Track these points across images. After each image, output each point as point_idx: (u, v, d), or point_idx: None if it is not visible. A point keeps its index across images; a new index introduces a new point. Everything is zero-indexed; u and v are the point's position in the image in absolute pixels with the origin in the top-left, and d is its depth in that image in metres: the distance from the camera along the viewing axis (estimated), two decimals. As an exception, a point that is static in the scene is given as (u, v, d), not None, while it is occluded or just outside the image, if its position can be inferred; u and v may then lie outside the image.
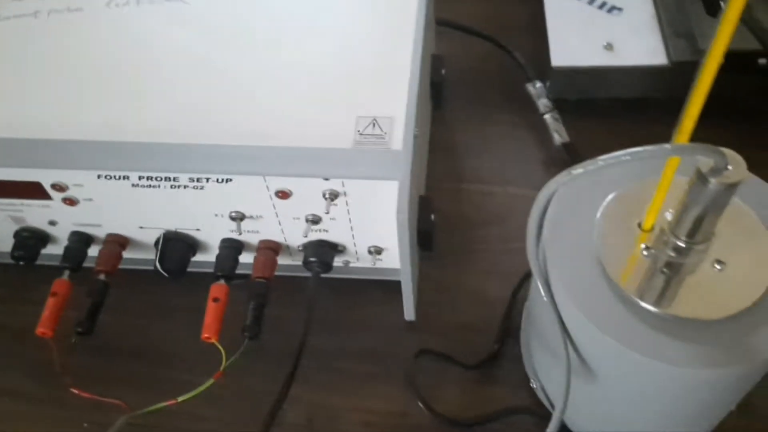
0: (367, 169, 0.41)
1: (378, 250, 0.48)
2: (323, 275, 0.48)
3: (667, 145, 0.30)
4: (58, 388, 0.46)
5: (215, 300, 0.46)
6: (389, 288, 0.49)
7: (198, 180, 0.43)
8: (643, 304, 0.34)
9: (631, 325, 0.34)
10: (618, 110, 0.57)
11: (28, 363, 0.49)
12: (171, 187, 0.44)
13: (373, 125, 0.43)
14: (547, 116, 0.56)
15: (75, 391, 0.45)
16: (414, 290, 0.49)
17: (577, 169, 0.32)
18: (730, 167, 0.30)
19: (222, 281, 0.47)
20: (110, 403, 0.44)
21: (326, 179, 0.42)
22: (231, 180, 0.43)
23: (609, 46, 0.54)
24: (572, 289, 0.35)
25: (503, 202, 0.55)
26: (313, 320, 0.45)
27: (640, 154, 0.31)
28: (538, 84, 0.57)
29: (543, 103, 0.56)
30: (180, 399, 0.44)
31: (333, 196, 0.43)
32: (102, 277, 0.47)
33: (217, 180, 0.43)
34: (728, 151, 0.31)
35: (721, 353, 0.33)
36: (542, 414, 0.44)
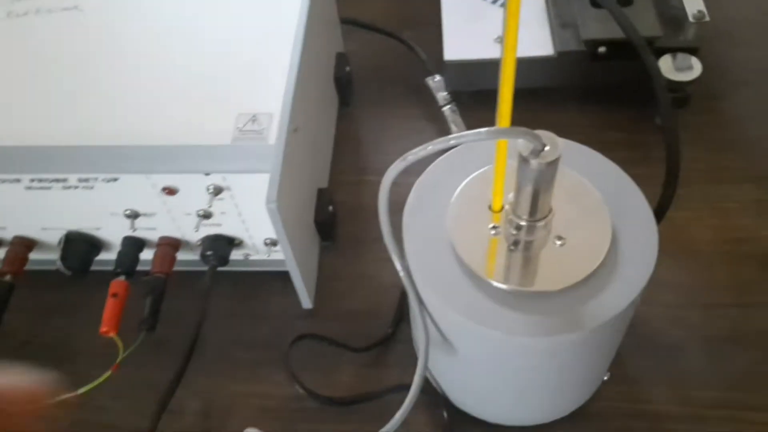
0: (243, 163, 0.43)
1: (273, 242, 0.50)
2: (223, 268, 0.50)
3: (484, 130, 0.32)
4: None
5: (114, 295, 0.47)
6: (289, 279, 0.51)
7: (87, 180, 0.45)
8: (490, 281, 0.36)
9: (478, 301, 0.36)
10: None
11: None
12: (63, 188, 0.46)
13: (253, 121, 0.45)
14: (445, 109, 0.58)
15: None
16: (311, 279, 0.51)
17: (409, 156, 0.34)
18: (547, 147, 0.32)
19: (122, 278, 0.49)
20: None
21: (207, 174, 0.44)
22: (117, 179, 0.45)
23: (500, 39, 0.56)
24: (425, 269, 0.38)
25: (404, 192, 0.57)
26: (208, 311, 0.47)
27: (464, 138, 0.33)
28: (437, 78, 0.59)
29: (442, 96, 0.58)
30: (80, 391, 0.46)
31: (217, 190, 0.45)
32: (8, 278, 0.49)
33: (105, 180, 0.45)
34: (543, 133, 0.33)
35: (557, 322, 0.35)
36: (424, 389, 0.46)
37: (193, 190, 0.45)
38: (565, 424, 0.45)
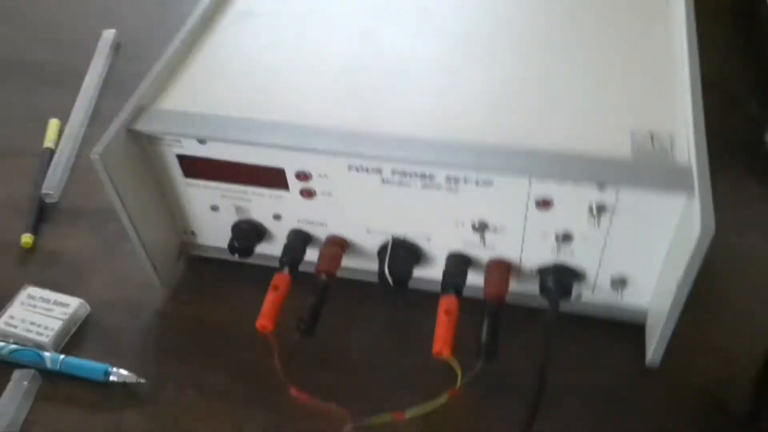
0: (656, 180, 0.38)
1: (623, 282, 0.44)
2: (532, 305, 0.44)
3: None
4: (267, 390, 0.43)
5: (447, 313, 0.42)
6: (616, 329, 0.45)
7: (455, 181, 0.41)
8: None
9: None
10: None
11: (229, 359, 0.46)
12: (423, 186, 0.41)
13: (652, 139, 0.40)
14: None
15: (294, 393, 0.41)
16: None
17: None
18: None
19: (452, 293, 0.43)
20: (332, 410, 0.41)
21: (600, 188, 0.39)
22: (490, 183, 0.40)
23: None
24: None
25: (740, 251, 0.50)
26: (551, 355, 0.41)
27: None
28: (778, 134, 0.53)
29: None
30: (408, 414, 0.40)
31: (598, 210, 0.40)
32: (323, 277, 0.45)
33: (476, 182, 0.40)
34: None
35: None
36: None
37: (572, 205, 0.40)
38: None
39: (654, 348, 0.42)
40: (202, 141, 0.43)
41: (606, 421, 0.42)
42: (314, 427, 0.42)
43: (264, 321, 0.42)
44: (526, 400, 0.39)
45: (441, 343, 0.41)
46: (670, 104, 0.42)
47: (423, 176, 0.41)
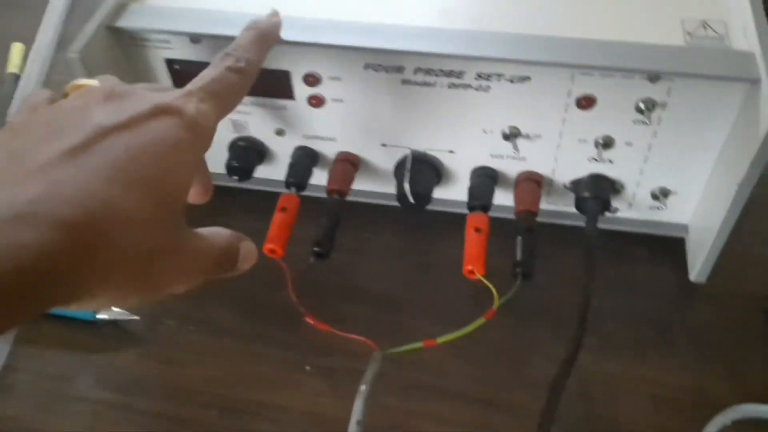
0: (717, 67, 0.34)
1: (665, 193, 0.40)
2: (570, 222, 0.41)
3: None
4: (278, 325, 0.39)
5: (478, 230, 0.38)
6: (655, 244, 0.42)
7: (487, 78, 0.36)
8: None
9: None
10: None
11: (237, 295, 0.41)
12: (449, 86, 0.37)
13: (705, 27, 0.36)
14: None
15: (311, 321, 0.37)
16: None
17: None
18: None
19: (480, 211, 0.39)
20: (354, 339, 0.36)
21: (653, 80, 0.35)
22: (527, 79, 0.36)
23: None
24: None
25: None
26: (594, 272, 0.37)
27: None
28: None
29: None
30: (440, 340, 0.36)
31: (648, 107, 0.36)
32: (336, 196, 0.40)
33: (510, 79, 0.36)
34: None
35: None
36: None
37: (618, 103, 0.36)
38: None
39: (702, 263, 0.39)
40: (195, 40, 0.37)
41: (654, 343, 0.39)
42: (335, 363, 0.38)
43: (273, 245, 0.38)
44: (564, 325, 0.35)
45: (474, 261, 0.37)
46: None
47: (450, 73, 0.36)
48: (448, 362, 0.38)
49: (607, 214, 0.41)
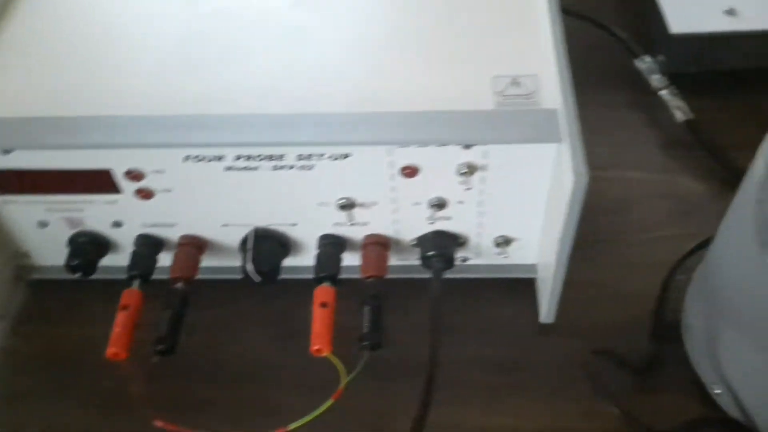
0: (522, 131, 0.34)
1: (506, 241, 0.41)
2: (420, 275, 0.41)
3: None
4: (131, 422, 0.38)
5: (323, 305, 0.38)
6: (507, 288, 0.43)
7: (308, 158, 0.36)
8: None
9: None
10: (734, 83, 0.52)
11: (89, 393, 0.40)
12: (273, 168, 0.37)
13: (515, 85, 0.36)
14: (663, 93, 0.50)
15: (159, 424, 0.36)
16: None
17: None
18: None
19: (327, 282, 0.39)
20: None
21: (467, 147, 0.35)
22: (348, 156, 0.36)
23: (731, 11, 0.49)
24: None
25: (624, 188, 0.48)
26: (439, 332, 0.38)
27: None
28: (648, 59, 0.51)
29: (656, 79, 0.50)
30: (292, 426, 0.36)
31: (470, 171, 0.36)
32: (180, 285, 0.40)
33: (332, 157, 0.36)
34: None
35: None
36: (731, 425, 0.36)
37: (440, 169, 0.36)
38: None
39: (546, 305, 0.40)
40: (6, 151, 0.36)
41: (505, 389, 0.40)
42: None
43: (115, 348, 0.37)
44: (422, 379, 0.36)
45: (319, 339, 0.37)
46: (533, 46, 0.38)
47: (271, 157, 0.36)
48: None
49: (460, 263, 0.42)
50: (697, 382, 0.39)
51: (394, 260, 0.41)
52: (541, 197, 0.38)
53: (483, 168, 0.36)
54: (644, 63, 0.51)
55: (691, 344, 0.39)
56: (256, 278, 0.39)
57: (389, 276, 0.40)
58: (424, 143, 0.35)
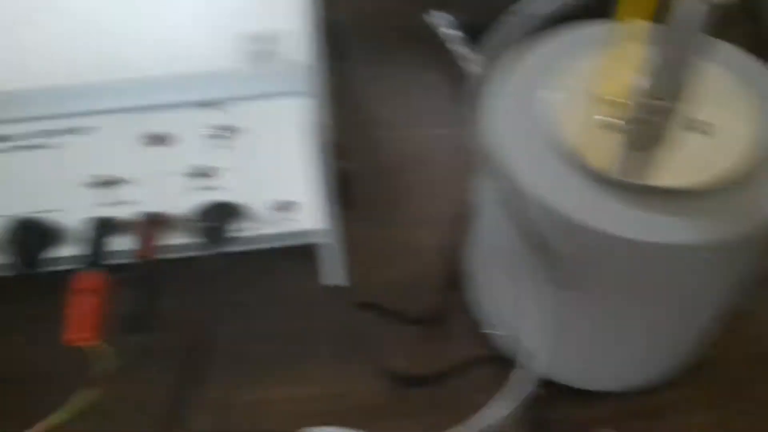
0: (264, 86, 0.33)
1: (286, 206, 0.39)
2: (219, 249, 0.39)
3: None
4: None
5: (81, 292, 0.36)
6: (299, 255, 0.41)
7: (46, 135, 0.33)
8: (624, 180, 0.28)
9: (613, 207, 0.28)
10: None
11: None
12: (9, 149, 0.34)
13: (261, 40, 0.35)
14: (456, 46, 0.50)
15: None
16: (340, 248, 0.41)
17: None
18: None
19: (93, 269, 0.37)
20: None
21: (214, 107, 0.33)
22: (91, 130, 0.33)
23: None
24: (535, 179, 0.29)
25: (422, 145, 0.48)
26: (210, 305, 0.36)
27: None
28: (439, 14, 0.51)
29: (447, 33, 0.50)
30: (51, 420, 0.33)
31: (222, 133, 0.34)
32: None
33: (72, 132, 0.33)
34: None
35: (704, 224, 0.27)
36: (505, 362, 0.37)
37: (189, 135, 0.34)
38: (687, 380, 0.37)
39: (329, 268, 0.39)
40: None
41: (286, 359, 0.39)
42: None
43: None
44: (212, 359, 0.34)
45: (77, 329, 0.34)
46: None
47: (3, 138, 0.33)
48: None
49: (240, 234, 0.40)
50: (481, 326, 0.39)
51: (171, 239, 0.39)
52: (304, 155, 0.36)
53: (237, 130, 0.34)
54: (435, 18, 0.51)
55: (473, 291, 0.39)
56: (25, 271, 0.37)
57: (167, 255, 0.39)
58: (167, 108, 0.33)
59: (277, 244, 0.41)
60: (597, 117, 0.30)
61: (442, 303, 0.40)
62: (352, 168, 0.44)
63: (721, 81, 0.31)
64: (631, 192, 0.28)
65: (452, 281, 0.41)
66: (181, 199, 0.38)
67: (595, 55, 0.32)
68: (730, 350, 0.38)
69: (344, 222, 0.43)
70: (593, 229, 0.27)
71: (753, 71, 0.32)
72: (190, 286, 0.39)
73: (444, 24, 0.50)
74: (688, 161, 0.29)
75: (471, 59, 0.49)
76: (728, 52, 0.32)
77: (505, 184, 0.30)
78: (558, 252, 0.30)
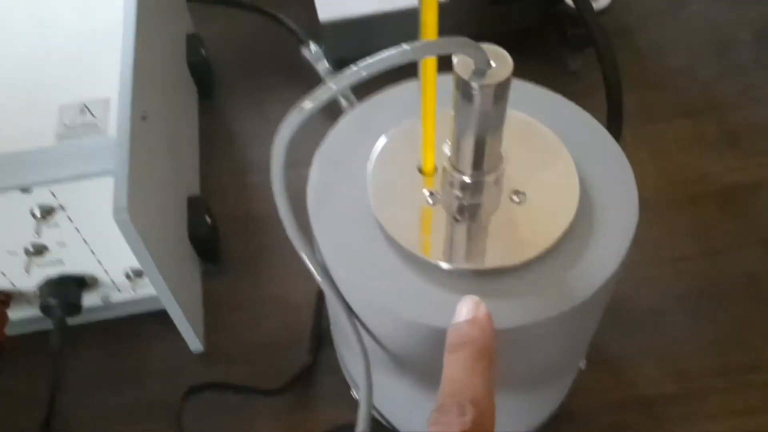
0: (76, 166, 0.31)
1: (138, 272, 0.38)
2: (76, 321, 0.38)
3: (408, 46, 0.23)
4: None
5: None
6: (169, 318, 0.40)
7: None
8: (436, 262, 0.27)
9: (422, 290, 0.27)
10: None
11: None
12: None
13: (83, 113, 0.33)
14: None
15: None
16: (197, 314, 0.40)
17: (308, 103, 0.24)
18: (493, 64, 0.24)
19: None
20: None
21: (25, 191, 0.32)
22: None
23: (380, -8, 0.47)
24: (348, 262, 0.28)
25: (298, 189, 0.46)
26: (65, 380, 0.35)
27: (379, 63, 0.23)
28: (314, 47, 0.49)
29: (323, 68, 0.48)
30: None
31: (46, 212, 0.33)
32: None
33: None
34: (489, 46, 0.24)
35: (524, 305, 0.26)
36: (377, 427, 0.36)
37: (13, 216, 0.33)
38: (549, 430, 0.36)
39: (186, 333, 0.37)
40: None
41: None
42: None
43: None
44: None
45: None
46: (108, 66, 0.35)
47: None
48: None
49: (96, 302, 0.39)
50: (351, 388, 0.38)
51: (21, 312, 0.38)
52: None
53: (60, 207, 0.33)
54: (311, 52, 0.49)
55: (337, 351, 0.38)
56: None
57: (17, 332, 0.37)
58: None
59: (135, 310, 0.40)
60: (423, 195, 0.28)
61: (311, 364, 0.39)
62: (215, 220, 0.42)
63: (539, 139, 0.29)
64: (453, 276, 0.27)
65: (322, 340, 0.39)
66: (30, 275, 0.36)
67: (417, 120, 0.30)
68: (606, 394, 0.38)
69: (207, 279, 0.42)
70: (408, 319, 0.26)
71: (577, 121, 0.31)
72: (42, 363, 0.37)
73: (318, 57, 0.49)
74: (503, 237, 0.27)
75: (345, 94, 0.47)
76: (551, 101, 0.31)
77: (319, 257, 0.29)
78: (373, 332, 0.29)
